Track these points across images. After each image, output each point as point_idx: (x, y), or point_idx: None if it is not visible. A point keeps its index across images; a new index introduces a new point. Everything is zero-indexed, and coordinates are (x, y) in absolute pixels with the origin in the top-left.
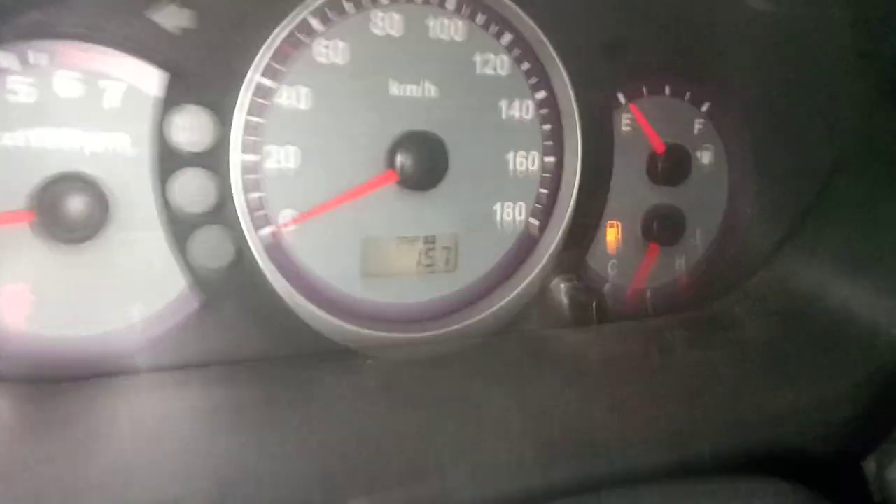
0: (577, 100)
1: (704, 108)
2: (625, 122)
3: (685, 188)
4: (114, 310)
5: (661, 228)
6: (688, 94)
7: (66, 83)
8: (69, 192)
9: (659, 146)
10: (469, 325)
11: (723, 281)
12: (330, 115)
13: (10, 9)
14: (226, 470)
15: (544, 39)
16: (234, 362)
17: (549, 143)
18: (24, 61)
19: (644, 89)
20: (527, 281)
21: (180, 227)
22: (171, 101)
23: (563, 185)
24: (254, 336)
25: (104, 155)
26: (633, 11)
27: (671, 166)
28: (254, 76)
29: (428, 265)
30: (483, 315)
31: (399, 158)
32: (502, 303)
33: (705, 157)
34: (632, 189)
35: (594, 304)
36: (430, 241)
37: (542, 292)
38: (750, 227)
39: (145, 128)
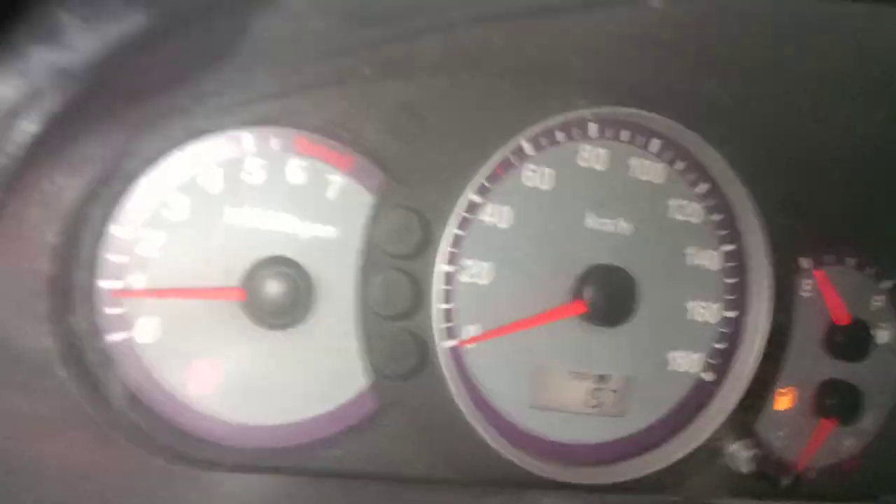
0: (771, 261)
1: (884, 284)
2: (804, 288)
3: (865, 365)
4: (293, 403)
5: (838, 405)
6: (868, 269)
7: (295, 170)
8: (279, 277)
9: (842, 317)
10: (636, 478)
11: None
12: (527, 237)
13: (260, 96)
14: None
15: (744, 193)
16: (397, 478)
17: (731, 297)
18: (263, 145)
19: (827, 257)
20: (700, 440)
21: (371, 327)
22: (386, 202)
23: (744, 342)
24: (423, 451)
25: (315, 244)
26: (828, 176)
27: (852, 340)
28: (466, 192)
29: (595, 406)
30: (651, 470)
31: (590, 291)
32: (671, 461)
33: (883, 335)
34: (806, 358)
35: (785, 481)
36: (601, 380)
37: (711, 455)
38: None
39: (357, 225)
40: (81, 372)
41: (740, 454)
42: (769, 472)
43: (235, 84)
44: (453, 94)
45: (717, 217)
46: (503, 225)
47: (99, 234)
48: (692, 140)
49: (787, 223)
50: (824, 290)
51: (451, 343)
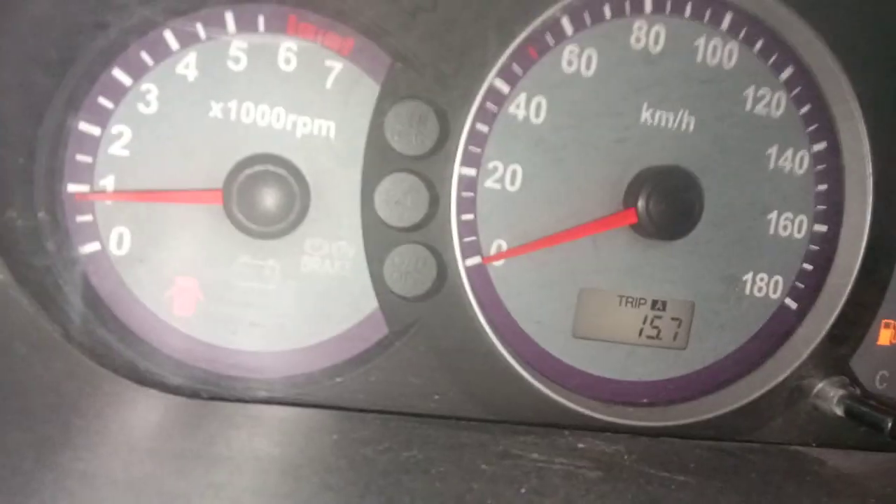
0: (874, 158)
1: None
2: None
3: None
4: (288, 327)
5: None
6: None
7: (287, 55)
8: (266, 178)
9: None
10: (698, 421)
11: None
12: (565, 134)
13: None
14: None
15: (842, 76)
16: (409, 413)
17: (822, 207)
18: (249, 25)
19: None
20: (779, 378)
21: (378, 240)
22: (393, 92)
23: (837, 263)
24: (440, 384)
25: (311, 141)
26: None
27: None
28: (490, 77)
29: (651, 336)
30: (717, 412)
31: (643, 197)
32: (744, 401)
33: None
34: None
35: (886, 427)
36: (658, 306)
37: (794, 395)
38: None
39: (360, 119)
40: (28, 279)
41: (829, 393)
42: (866, 416)
43: None
44: None
45: (805, 109)
46: (536, 119)
47: (60, 128)
48: (775, 11)
49: (893, 111)
50: None
51: (474, 260)
